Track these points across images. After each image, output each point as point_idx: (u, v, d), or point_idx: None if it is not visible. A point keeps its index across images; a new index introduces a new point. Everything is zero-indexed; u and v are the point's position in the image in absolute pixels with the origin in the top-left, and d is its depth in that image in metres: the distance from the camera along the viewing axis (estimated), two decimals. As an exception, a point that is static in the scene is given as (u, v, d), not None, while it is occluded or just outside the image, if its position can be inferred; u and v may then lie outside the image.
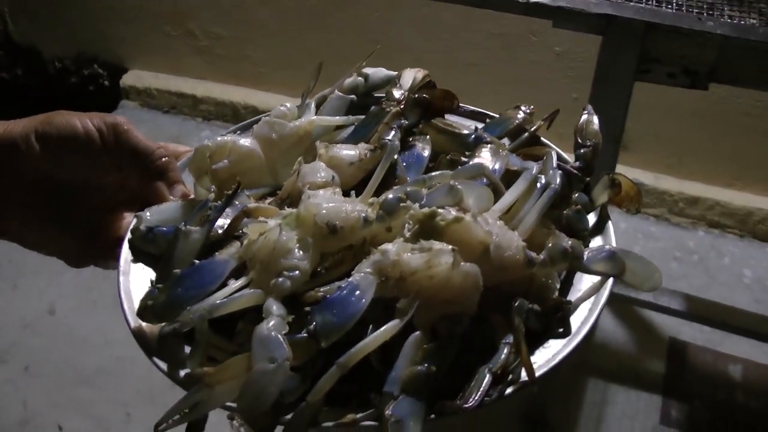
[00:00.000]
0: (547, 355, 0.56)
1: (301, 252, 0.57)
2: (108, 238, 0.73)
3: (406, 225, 0.58)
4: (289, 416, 0.52)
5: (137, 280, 0.66)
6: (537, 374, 0.53)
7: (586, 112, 0.76)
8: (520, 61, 2.28)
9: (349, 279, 0.55)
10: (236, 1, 2.55)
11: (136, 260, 0.67)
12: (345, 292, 0.54)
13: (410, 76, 0.82)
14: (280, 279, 0.56)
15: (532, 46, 2.24)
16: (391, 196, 0.60)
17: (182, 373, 0.57)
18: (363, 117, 0.77)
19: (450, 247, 0.54)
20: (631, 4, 1.20)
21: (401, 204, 0.59)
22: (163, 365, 0.58)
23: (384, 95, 0.80)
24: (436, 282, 0.54)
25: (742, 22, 1.14)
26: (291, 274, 0.56)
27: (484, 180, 0.64)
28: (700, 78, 1.18)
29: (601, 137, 0.73)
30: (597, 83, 1.27)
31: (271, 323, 0.52)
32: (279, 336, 0.51)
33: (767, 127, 2.17)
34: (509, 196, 0.63)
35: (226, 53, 2.70)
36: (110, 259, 0.73)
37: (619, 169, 2.27)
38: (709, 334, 1.96)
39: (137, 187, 0.74)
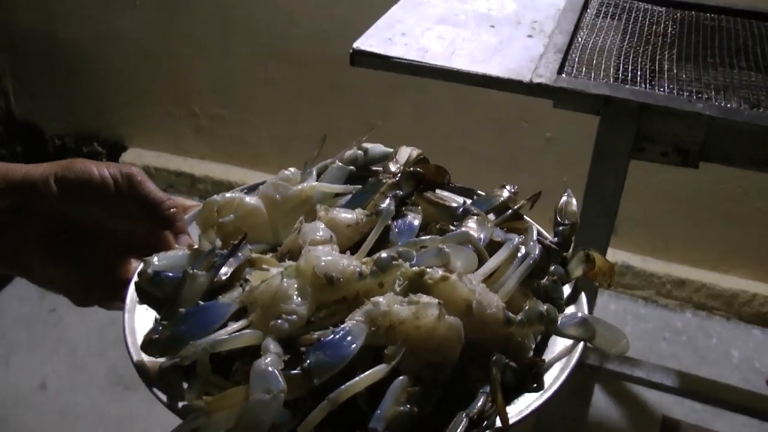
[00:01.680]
0: (521, 407, 0.61)
1: (299, 299, 0.62)
2: (114, 280, 0.78)
3: (397, 281, 0.64)
4: (279, 447, 0.56)
5: (141, 319, 0.70)
6: (510, 422, 0.57)
7: (566, 194, 0.83)
8: (512, 146, 2.38)
9: (343, 325, 0.60)
10: (239, 84, 2.66)
11: (141, 301, 0.72)
12: (338, 336, 0.59)
13: (406, 152, 0.89)
14: (279, 321, 0.60)
15: (523, 132, 2.34)
16: (384, 254, 0.66)
17: (181, 404, 0.61)
18: (361, 186, 0.83)
19: (437, 300, 0.59)
20: (626, 87, 1.30)
21: (394, 262, 0.65)
22: (163, 396, 0.62)
23: (381, 168, 0.87)
24: (423, 332, 0.59)
25: (728, 105, 1.23)
26: (289, 317, 0.61)
27: (470, 246, 0.70)
28: (691, 156, 1.26)
29: (578, 217, 0.80)
30: (595, 161, 1.36)
31: (269, 359, 0.57)
32: (276, 370, 0.56)
33: (749, 211, 2.27)
34: (492, 262, 0.69)
35: (226, 134, 2.79)
36: (115, 300, 0.78)
37: (609, 251, 2.36)
38: (701, 412, 2.02)
39: (146, 235, 0.80)
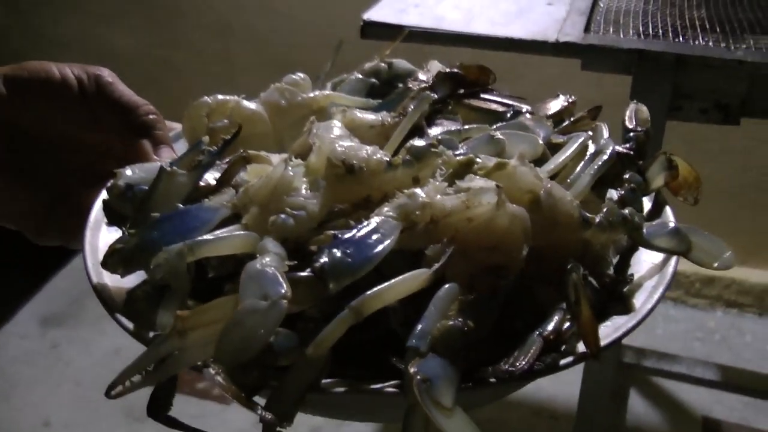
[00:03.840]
0: (607, 331, 0.45)
1: (309, 192, 0.47)
2: (81, 208, 0.62)
3: (438, 171, 0.49)
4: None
5: (106, 239, 0.55)
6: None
7: (633, 102, 0.68)
8: None
9: (366, 222, 0.45)
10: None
11: (110, 223, 0.57)
12: (362, 232, 0.43)
13: (438, 66, 0.74)
14: (282, 216, 0.45)
15: None
16: (420, 142, 0.50)
17: (152, 334, 0.46)
18: (387, 98, 0.69)
19: (494, 183, 0.44)
20: (660, 41, 1.20)
21: (433, 149, 0.49)
22: (129, 324, 0.46)
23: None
24: (477, 225, 0.43)
25: None
26: (296, 212, 0.46)
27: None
28: (732, 112, 1.15)
29: (650, 125, 0.64)
30: None
31: (267, 259, 0.42)
32: (276, 271, 0.41)
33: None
34: (558, 158, 0.53)
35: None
36: (79, 236, 0.62)
37: None
38: (742, 411, 1.92)
39: (120, 152, 0.65)
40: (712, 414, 1.94)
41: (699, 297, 2.32)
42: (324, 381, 0.40)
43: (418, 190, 0.46)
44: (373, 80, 0.73)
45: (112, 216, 0.57)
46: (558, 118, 0.67)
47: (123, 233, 0.49)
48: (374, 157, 0.49)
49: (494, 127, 0.55)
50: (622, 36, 1.22)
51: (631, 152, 0.60)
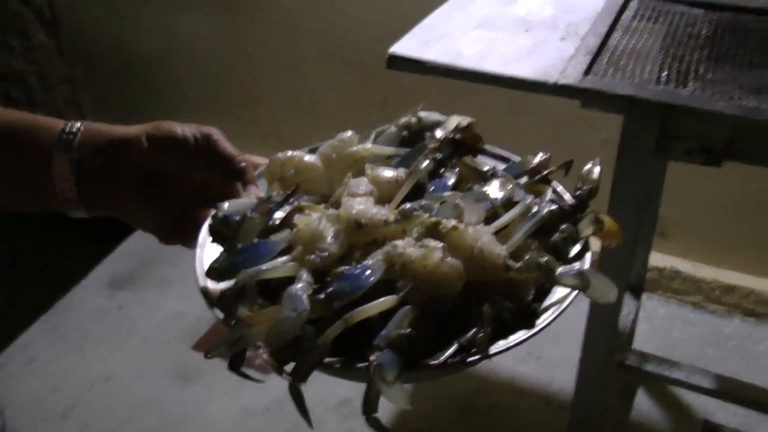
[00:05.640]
0: (509, 341, 0.71)
1: (333, 239, 0.75)
2: (194, 224, 0.93)
3: (416, 228, 0.75)
4: (303, 356, 0.69)
5: (210, 254, 0.85)
6: (492, 351, 0.68)
7: (591, 162, 0.91)
8: (569, 147, 2.37)
9: (365, 262, 0.72)
10: (305, 89, 2.75)
11: (212, 240, 0.87)
12: (359, 270, 0.71)
13: (455, 121, 0.99)
14: (313, 256, 0.73)
15: (581, 133, 2.33)
16: (408, 205, 0.77)
17: (233, 322, 0.75)
18: (409, 150, 0.95)
19: (441, 244, 0.71)
20: (650, 87, 1.32)
21: (415, 212, 0.76)
22: (220, 314, 0.76)
23: (429, 134, 0.97)
24: (428, 269, 0.70)
25: (752, 105, 1.25)
26: (322, 254, 0.74)
27: (488, 203, 0.80)
28: (715, 155, 1.28)
29: (598, 183, 0.88)
30: (620, 158, 1.40)
31: (299, 285, 0.70)
32: (303, 294, 0.69)
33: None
34: (504, 218, 0.79)
35: (290, 137, 2.92)
36: (193, 241, 0.93)
37: (657, 256, 2.39)
38: (745, 417, 2.01)
39: (220, 186, 0.94)
40: (715, 418, 2.05)
41: (718, 303, 2.40)
42: (327, 359, 0.69)
43: (399, 242, 0.73)
44: (405, 133, 0.99)
45: (214, 236, 0.87)
46: (536, 171, 0.93)
47: (219, 256, 0.79)
48: (376, 216, 0.76)
49: (460, 196, 0.80)
50: (621, 79, 1.34)
51: (570, 208, 0.85)
